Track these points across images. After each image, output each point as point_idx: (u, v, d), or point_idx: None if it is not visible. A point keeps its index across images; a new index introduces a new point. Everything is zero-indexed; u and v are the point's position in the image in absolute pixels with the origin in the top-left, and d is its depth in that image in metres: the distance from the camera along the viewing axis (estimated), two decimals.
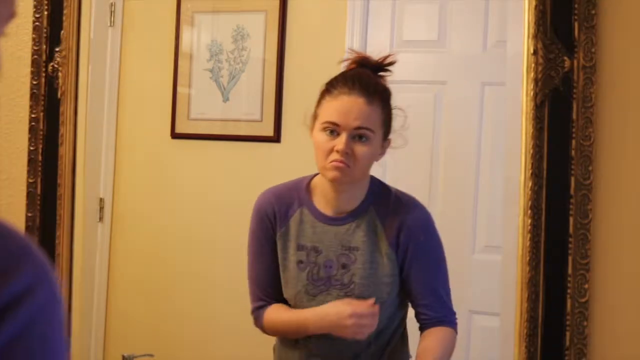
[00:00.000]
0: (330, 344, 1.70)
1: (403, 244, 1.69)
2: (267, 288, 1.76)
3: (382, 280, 1.69)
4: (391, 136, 1.71)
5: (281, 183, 1.80)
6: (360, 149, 1.62)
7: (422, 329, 1.73)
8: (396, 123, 1.72)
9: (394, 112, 1.71)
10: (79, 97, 2.04)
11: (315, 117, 1.69)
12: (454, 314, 1.74)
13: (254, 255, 1.78)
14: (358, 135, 1.62)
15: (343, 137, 1.61)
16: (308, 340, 1.74)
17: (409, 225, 1.70)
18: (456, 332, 1.72)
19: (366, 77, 1.68)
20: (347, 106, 1.63)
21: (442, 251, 1.74)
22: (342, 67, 1.76)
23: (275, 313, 1.74)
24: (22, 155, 2.04)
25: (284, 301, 1.76)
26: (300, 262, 1.71)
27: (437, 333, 1.69)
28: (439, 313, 1.71)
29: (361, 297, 1.67)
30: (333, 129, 1.63)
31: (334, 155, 1.62)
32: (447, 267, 1.75)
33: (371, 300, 1.62)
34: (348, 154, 1.61)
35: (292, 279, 1.71)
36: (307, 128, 1.73)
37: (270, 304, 1.76)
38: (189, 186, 2.85)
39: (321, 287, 1.70)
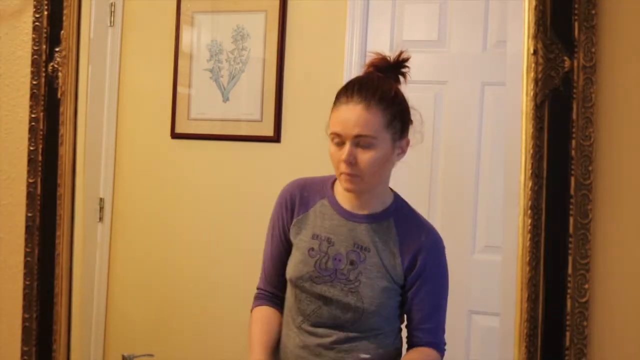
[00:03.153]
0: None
1: (419, 265, 1.72)
2: (271, 274, 1.83)
3: (387, 286, 1.72)
4: (410, 135, 1.73)
5: (313, 176, 1.85)
6: (363, 156, 1.65)
7: (411, 347, 1.77)
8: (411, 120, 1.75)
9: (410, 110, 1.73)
10: (79, 97, 2.04)
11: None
12: (445, 344, 1.79)
13: (268, 239, 1.85)
14: (360, 143, 1.65)
15: (346, 146, 1.65)
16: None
17: (429, 249, 1.74)
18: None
19: (366, 82, 1.69)
20: (345, 115, 1.65)
21: (448, 282, 1.78)
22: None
23: (258, 321, 1.81)
24: (22, 155, 2.04)
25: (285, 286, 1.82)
26: (311, 249, 1.75)
27: (424, 350, 1.74)
28: (434, 339, 1.76)
29: (364, 296, 1.70)
30: (339, 141, 1.66)
31: (342, 167, 1.66)
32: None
33: None
34: (352, 163, 1.65)
35: (299, 263, 1.75)
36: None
37: (268, 293, 1.84)
38: (189, 186, 2.85)
39: (325, 278, 1.73)
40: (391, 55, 1.76)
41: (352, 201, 1.76)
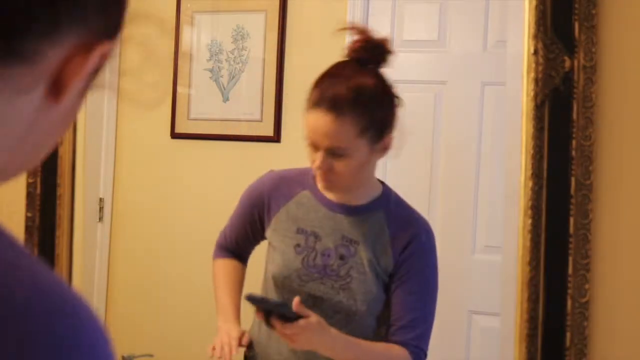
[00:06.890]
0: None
1: (408, 262, 1.61)
2: (235, 241, 1.84)
3: (377, 279, 1.62)
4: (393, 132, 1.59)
5: (292, 168, 1.78)
6: (338, 164, 1.54)
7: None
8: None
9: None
10: None
11: None
12: (425, 354, 1.63)
13: (235, 216, 1.84)
14: (333, 152, 1.53)
15: (320, 154, 1.54)
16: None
17: (420, 243, 1.62)
18: None
19: (338, 84, 1.55)
20: (315, 124, 1.54)
21: (436, 287, 1.65)
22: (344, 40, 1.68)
23: (223, 270, 1.87)
24: None
25: (245, 256, 1.85)
26: (297, 245, 1.65)
27: (394, 347, 1.60)
28: (414, 340, 1.60)
29: (356, 292, 1.60)
30: (313, 145, 1.56)
31: (317, 171, 1.57)
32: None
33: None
34: (327, 171, 1.55)
35: (285, 261, 1.65)
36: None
37: (234, 249, 1.85)
38: (189, 186, 2.85)
39: (314, 275, 1.63)
40: (374, 36, 1.60)
41: (337, 192, 1.65)
